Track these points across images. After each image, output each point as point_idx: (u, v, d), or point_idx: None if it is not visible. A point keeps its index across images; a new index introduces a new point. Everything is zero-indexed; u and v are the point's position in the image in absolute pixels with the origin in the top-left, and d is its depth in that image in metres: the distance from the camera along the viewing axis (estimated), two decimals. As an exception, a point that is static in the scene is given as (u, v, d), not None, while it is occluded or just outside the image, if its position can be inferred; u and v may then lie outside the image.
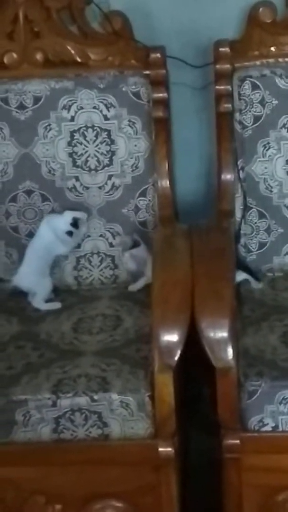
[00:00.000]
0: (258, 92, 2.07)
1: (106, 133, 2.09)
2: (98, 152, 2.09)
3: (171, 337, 1.69)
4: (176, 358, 1.69)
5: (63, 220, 2.06)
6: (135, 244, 2.07)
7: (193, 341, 1.71)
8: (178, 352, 1.69)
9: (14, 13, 2.10)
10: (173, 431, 1.75)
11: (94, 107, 2.08)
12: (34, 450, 1.77)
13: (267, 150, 2.08)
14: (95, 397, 1.74)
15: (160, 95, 2.08)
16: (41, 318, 2.00)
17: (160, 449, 1.75)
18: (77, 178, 2.10)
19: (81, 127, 2.09)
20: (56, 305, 2.04)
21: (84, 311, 2.01)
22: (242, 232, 2.09)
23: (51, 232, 2.05)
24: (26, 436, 1.76)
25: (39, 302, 2.04)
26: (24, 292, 2.06)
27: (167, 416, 1.73)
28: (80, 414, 1.75)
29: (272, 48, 2.11)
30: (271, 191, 2.09)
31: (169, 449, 1.75)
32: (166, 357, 1.69)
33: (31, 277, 2.04)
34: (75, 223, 2.05)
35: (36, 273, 2.04)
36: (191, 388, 2.06)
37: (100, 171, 2.10)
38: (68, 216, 2.06)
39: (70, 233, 2.06)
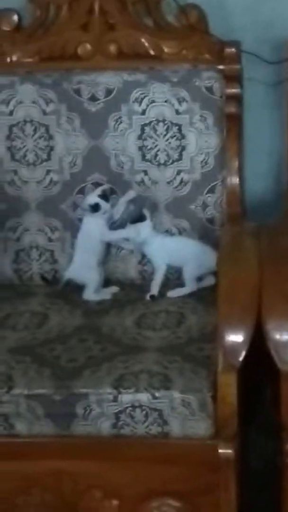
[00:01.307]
0: None
1: (177, 127, 2.06)
2: (168, 146, 2.07)
3: (237, 337, 1.66)
4: (241, 358, 1.66)
5: (91, 195, 1.99)
6: (140, 218, 1.97)
7: (256, 342, 1.68)
8: (243, 353, 1.66)
9: (90, 4, 2.09)
10: (234, 432, 1.73)
11: (166, 101, 2.06)
12: (93, 444, 1.76)
13: None
14: (157, 394, 1.73)
15: (234, 90, 2.05)
16: (104, 312, 1.99)
17: (220, 450, 1.73)
18: (145, 172, 2.09)
19: (152, 121, 2.07)
20: (106, 295, 2.02)
21: (147, 307, 2.00)
22: (311, 232, 2.05)
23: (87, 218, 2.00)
24: (86, 429, 1.75)
25: (88, 294, 2.02)
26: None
27: (229, 417, 1.71)
28: (141, 411, 1.73)
29: None
30: None
31: (230, 450, 1.73)
32: (230, 357, 1.67)
33: (79, 270, 2.03)
34: (104, 195, 1.98)
35: (84, 265, 2.02)
36: (252, 389, 2.03)
37: (169, 166, 2.08)
38: (98, 189, 1.99)
39: (96, 207, 1.96)
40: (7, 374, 1.77)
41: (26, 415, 1.75)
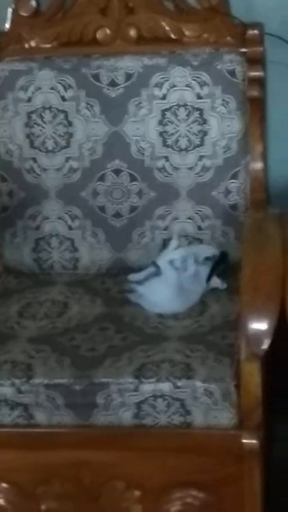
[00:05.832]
0: None
1: (198, 112, 2.02)
2: (189, 131, 2.03)
3: (260, 325, 1.63)
4: (265, 347, 1.63)
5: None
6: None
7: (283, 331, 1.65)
8: (267, 342, 1.62)
9: (109, -13, 2.06)
10: (258, 423, 1.69)
11: (187, 85, 2.02)
12: (114, 435, 1.74)
13: None
14: (179, 383, 1.70)
15: (256, 73, 2.00)
16: (125, 300, 1.96)
17: (244, 440, 1.69)
18: (167, 158, 2.05)
19: (173, 106, 2.03)
20: None
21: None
22: None
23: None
24: (107, 419, 1.73)
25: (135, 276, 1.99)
26: (110, 273, 2.03)
27: (253, 407, 1.68)
28: (163, 401, 1.70)
29: None
30: None
31: (254, 441, 1.69)
32: (253, 346, 1.63)
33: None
34: None
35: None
36: (278, 378, 1.99)
37: (190, 152, 2.04)
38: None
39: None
40: (27, 364, 1.75)
41: (46, 405, 1.73)
